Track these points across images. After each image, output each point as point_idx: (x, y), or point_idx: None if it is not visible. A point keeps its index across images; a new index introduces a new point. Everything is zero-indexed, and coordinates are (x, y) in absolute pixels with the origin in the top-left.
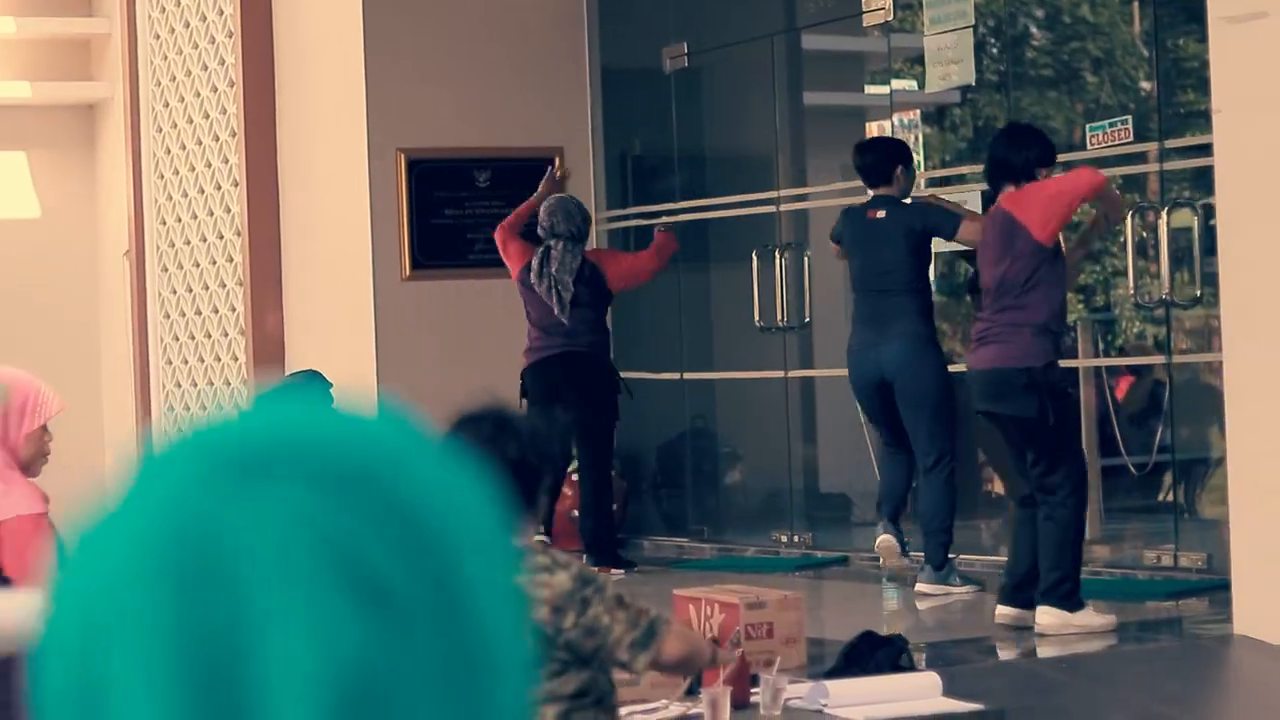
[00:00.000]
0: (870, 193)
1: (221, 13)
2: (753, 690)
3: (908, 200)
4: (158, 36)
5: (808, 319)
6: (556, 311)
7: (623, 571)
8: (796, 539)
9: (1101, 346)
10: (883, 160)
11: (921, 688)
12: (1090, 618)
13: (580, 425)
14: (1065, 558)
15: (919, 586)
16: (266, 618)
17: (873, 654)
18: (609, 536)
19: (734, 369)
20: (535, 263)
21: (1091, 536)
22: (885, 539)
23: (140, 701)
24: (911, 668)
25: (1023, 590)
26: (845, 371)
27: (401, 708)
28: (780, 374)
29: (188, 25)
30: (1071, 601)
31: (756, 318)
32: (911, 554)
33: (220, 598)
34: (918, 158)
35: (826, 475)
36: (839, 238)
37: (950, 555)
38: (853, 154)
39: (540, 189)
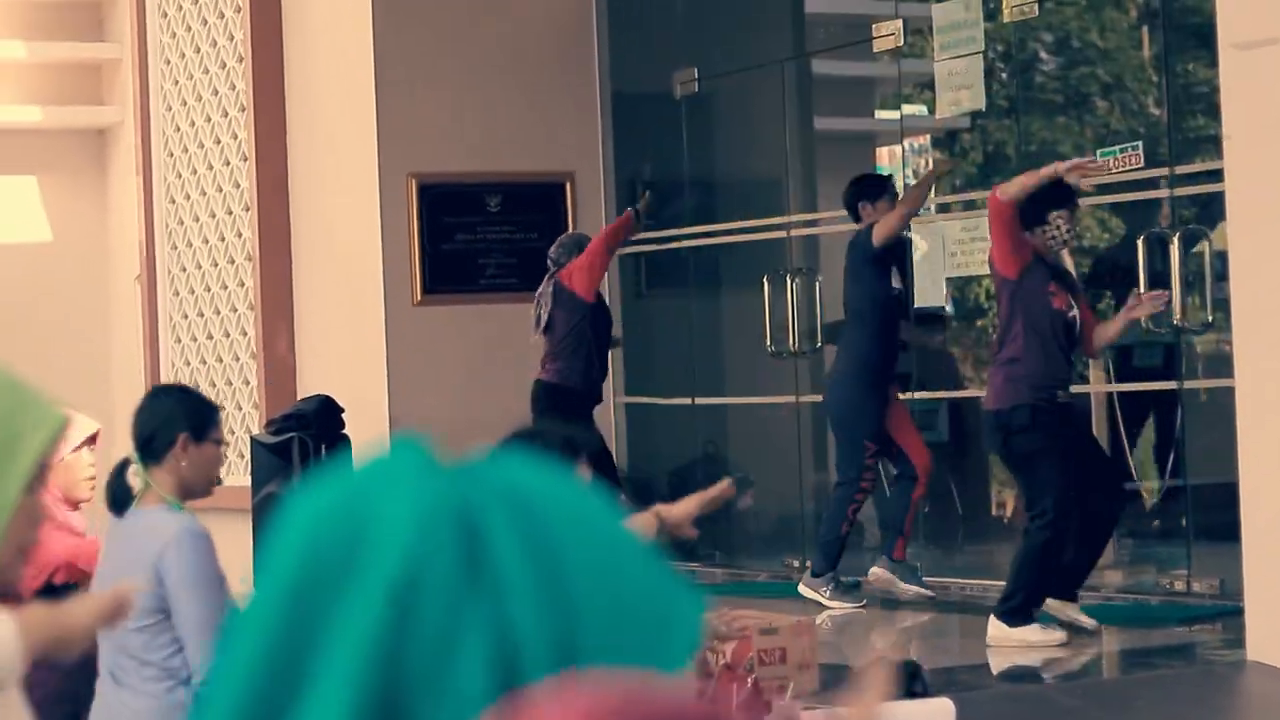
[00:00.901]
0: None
1: (232, 38)
2: (765, 717)
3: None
4: (168, 61)
5: (819, 344)
6: (531, 332)
7: None
8: (808, 563)
9: (1113, 372)
10: (848, 199)
11: (934, 713)
12: (1029, 633)
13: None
14: (1020, 577)
15: (801, 588)
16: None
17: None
18: None
19: (745, 394)
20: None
21: (1104, 562)
22: (877, 571)
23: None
24: (925, 693)
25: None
26: None
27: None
28: (792, 399)
29: (198, 50)
30: (1015, 617)
31: (768, 343)
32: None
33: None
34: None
35: None
36: None
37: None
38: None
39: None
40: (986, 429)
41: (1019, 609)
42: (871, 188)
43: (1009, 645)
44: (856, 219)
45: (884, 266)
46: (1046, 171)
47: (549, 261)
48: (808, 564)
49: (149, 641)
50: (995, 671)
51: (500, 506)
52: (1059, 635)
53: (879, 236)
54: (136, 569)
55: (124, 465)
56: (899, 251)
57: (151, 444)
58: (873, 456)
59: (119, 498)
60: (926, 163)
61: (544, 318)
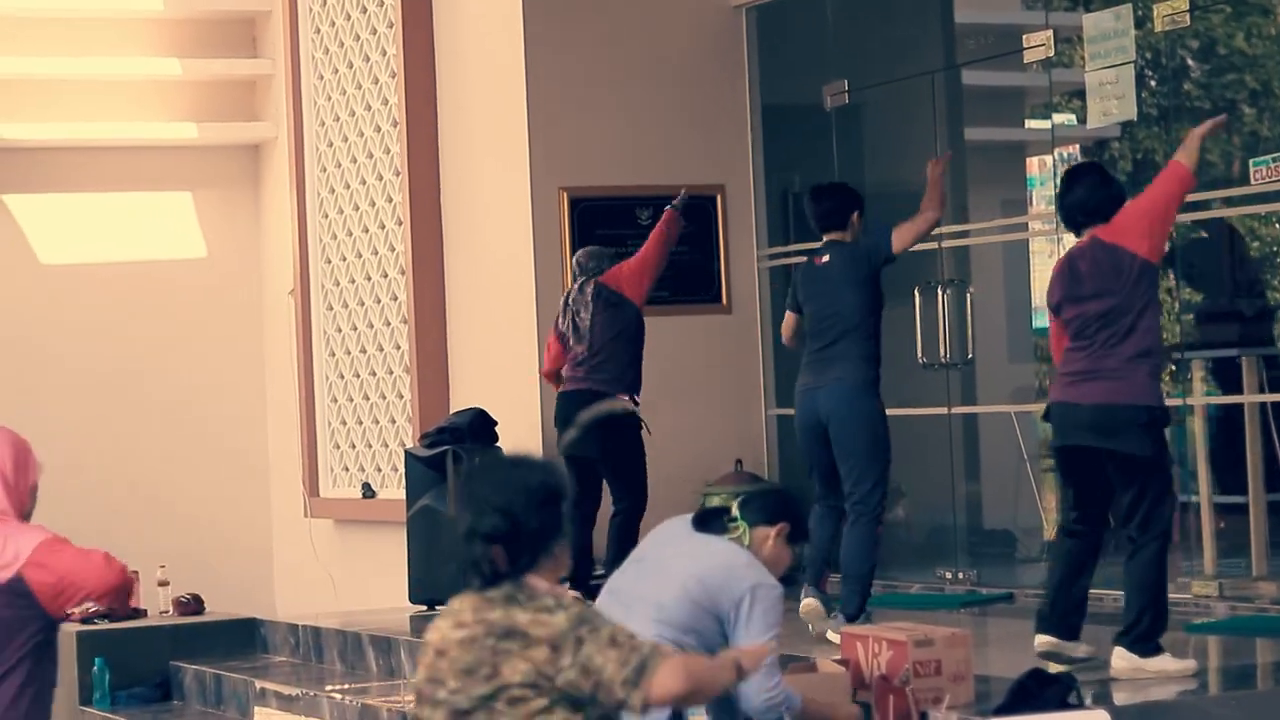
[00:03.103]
0: (824, 239)
1: (384, 53)
2: None
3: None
4: (321, 77)
5: (970, 355)
6: (573, 342)
7: None
8: (961, 575)
9: (1267, 381)
10: (840, 206)
11: None
12: (1165, 663)
13: (604, 464)
14: (1147, 599)
15: (828, 634)
16: None
17: (1041, 691)
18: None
19: (897, 406)
20: (561, 307)
21: (1258, 573)
22: (809, 602)
23: None
24: (1080, 705)
25: (1064, 618)
26: (1009, 408)
27: None
28: (944, 410)
29: (351, 65)
30: (1148, 646)
31: (919, 354)
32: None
33: None
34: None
35: (990, 512)
36: (794, 301)
37: (868, 609)
38: (808, 200)
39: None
40: (1127, 426)
41: (1148, 635)
42: (859, 198)
43: (1144, 677)
44: (834, 227)
45: (879, 279)
46: (1207, 128)
47: (576, 268)
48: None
49: None
50: (1152, 684)
51: None
52: (1191, 664)
53: (902, 244)
54: None
55: None
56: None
57: None
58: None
59: None
60: None
61: (585, 323)
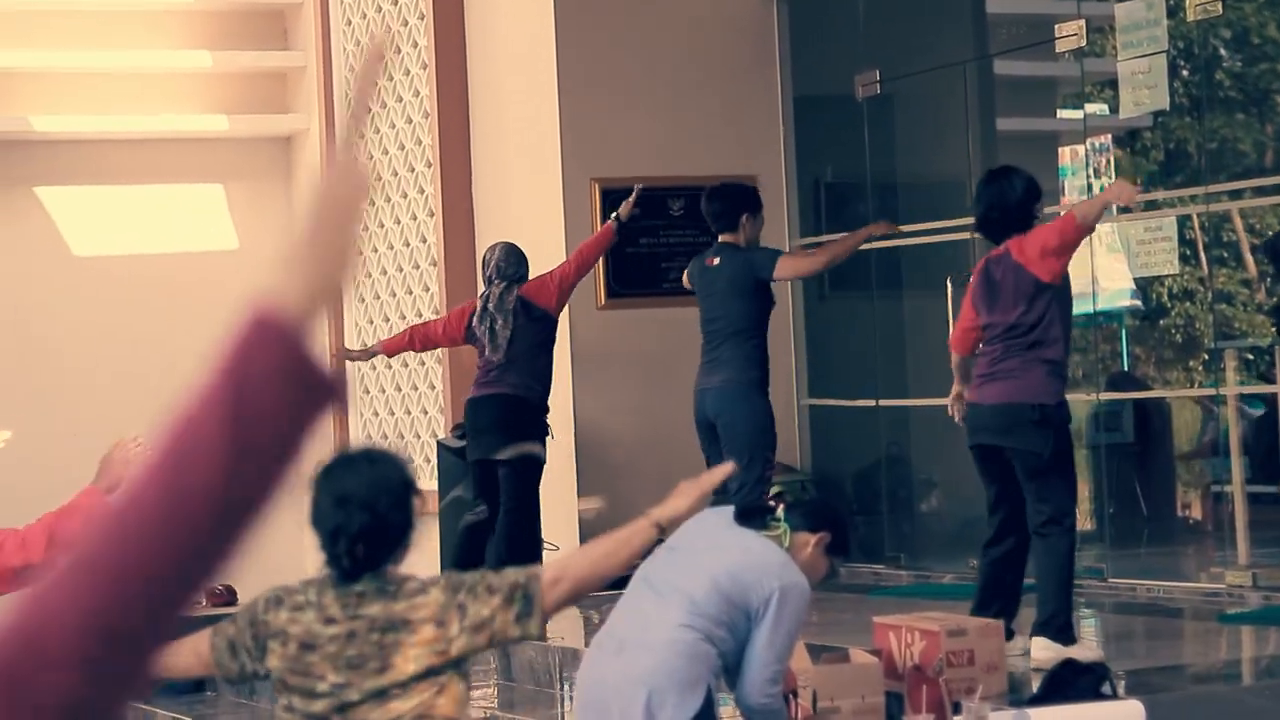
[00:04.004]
0: (719, 239)
1: (416, 45)
2: (955, 718)
3: (763, 244)
4: (352, 68)
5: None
6: (488, 350)
7: None
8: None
9: None
10: (730, 208)
11: (1125, 716)
12: (1083, 651)
13: (506, 466)
14: (1064, 592)
15: None
16: None
17: (1075, 681)
18: None
19: (929, 396)
20: (478, 306)
21: None
22: None
23: None
24: (1114, 696)
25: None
26: None
27: None
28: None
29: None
30: (1066, 635)
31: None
32: None
33: None
34: (1108, 181)
35: None
36: (690, 282)
37: None
38: (702, 200)
39: (623, 213)
40: (1020, 423)
41: (1066, 626)
42: (755, 200)
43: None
44: (724, 229)
45: (769, 286)
46: (1114, 199)
47: (494, 270)
48: None
49: None
50: (1186, 674)
51: None
52: (1100, 652)
53: (784, 274)
54: None
55: None
56: None
57: None
58: (771, 468)
59: None
60: (1108, 162)
61: (503, 335)
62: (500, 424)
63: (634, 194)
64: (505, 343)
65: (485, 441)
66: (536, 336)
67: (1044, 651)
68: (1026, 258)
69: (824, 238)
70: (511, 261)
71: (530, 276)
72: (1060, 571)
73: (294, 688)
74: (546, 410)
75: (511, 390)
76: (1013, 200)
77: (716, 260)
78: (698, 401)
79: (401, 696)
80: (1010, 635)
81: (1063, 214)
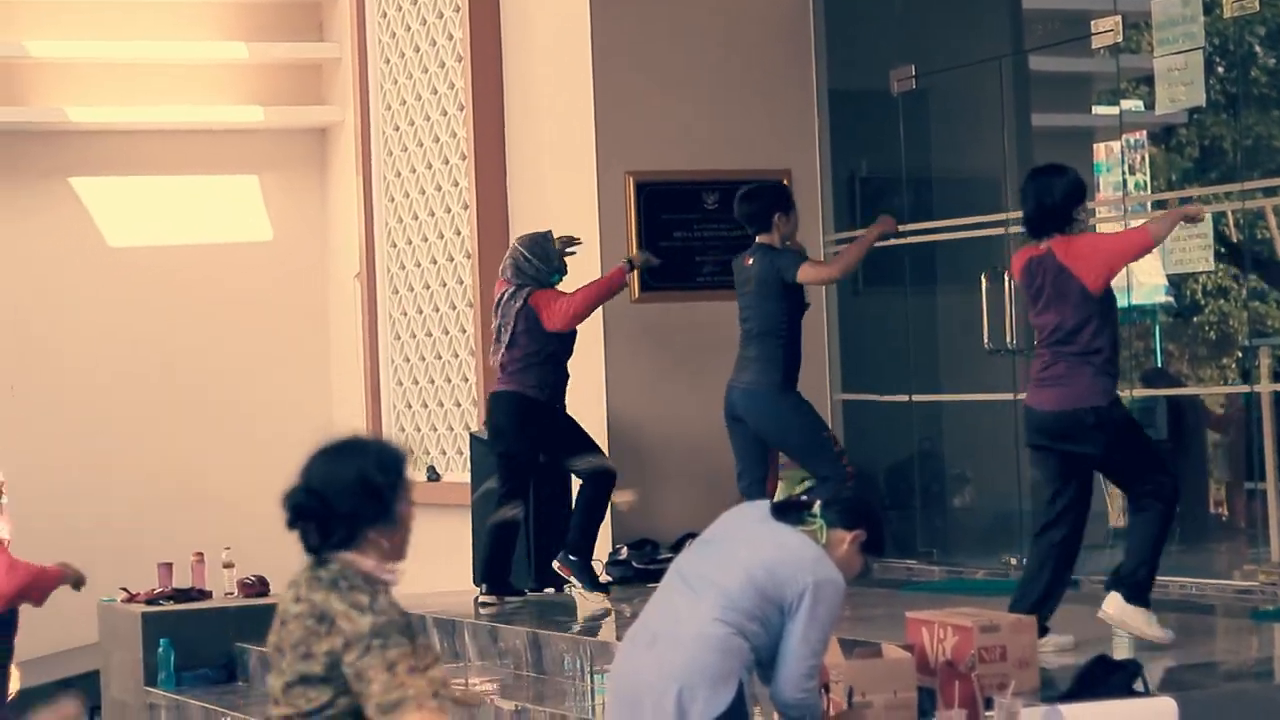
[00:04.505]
0: (755, 239)
1: (451, 37)
2: (987, 714)
3: (788, 245)
4: (388, 61)
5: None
6: (491, 351)
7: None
8: (1025, 561)
9: None
10: (762, 208)
11: (1157, 713)
12: (1150, 624)
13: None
14: (1146, 555)
15: None
16: None
17: (1107, 678)
18: (584, 561)
19: (962, 391)
20: (496, 296)
21: None
22: None
23: None
24: (1147, 693)
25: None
26: None
27: None
28: (1009, 396)
29: (418, 50)
30: (1140, 595)
31: (985, 340)
32: None
33: None
34: (1143, 178)
35: None
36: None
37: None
38: (735, 203)
39: (636, 260)
40: (1077, 429)
41: (1142, 588)
42: (786, 199)
43: (1124, 628)
44: (759, 230)
45: (799, 287)
46: (1184, 215)
47: (523, 259)
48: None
49: None
50: (1218, 671)
51: None
52: (1169, 634)
53: (805, 280)
54: None
55: None
56: None
57: None
58: (837, 443)
59: None
60: (1142, 159)
61: (508, 334)
62: (510, 421)
63: (651, 260)
64: (505, 345)
65: (496, 438)
66: (547, 345)
67: (1113, 606)
68: (1075, 262)
69: (857, 233)
70: (525, 263)
71: (554, 282)
72: (1151, 536)
73: (274, 664)
74: (556, 409)
75: (520, 388)
76: (1050, 201)
77: (751, 260)
78: (726, 395)
79: (305, 694)
80: (1044, 632)
81: (1132, 226)
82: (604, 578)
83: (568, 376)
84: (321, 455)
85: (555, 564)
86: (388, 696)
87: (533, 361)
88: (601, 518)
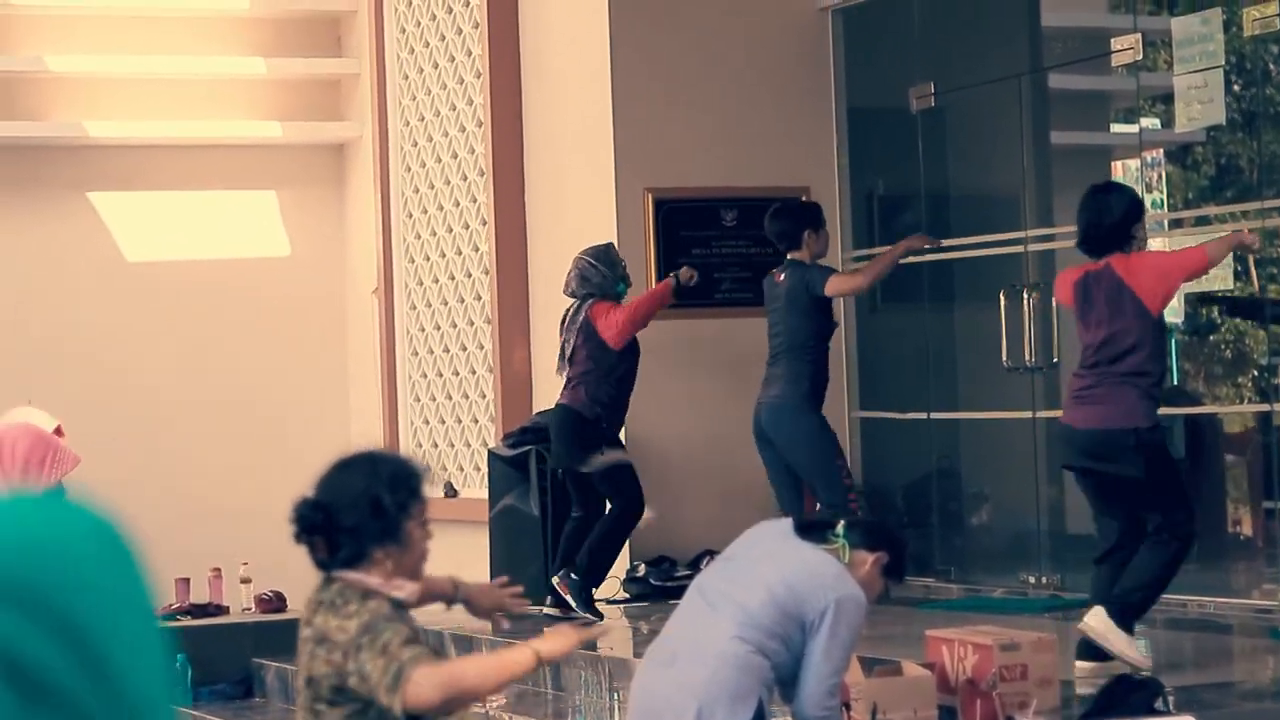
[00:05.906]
0: (787, 256)
1: (470, 53)
2: None
3: (820, 262)
4: (406, 77)
5: (1056, 359)
6: (556, 368)
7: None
8: (1044, 580)
9: None
10: (792, 226)
11: None
12: (1131, 646)
13: (594, 475)
14: (1145, 582)
15: None
16: None
17: (1128, 697)
18: (584, 583)
19: (981, 409)
20: (563, 311)
21: None
22: None
23: None
24: (1168, 711)
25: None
26: None
27: None
28: (1028, 414)
29: (436, 66)
30: (1127, 621)
31: (1004, 358)
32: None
33: None
34: (1161, 195)
35: (1074, 516)
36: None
37: None
38: (765, 221)
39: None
40: (1116, 449)
41: (1130, 614)
42: (817, 216)
43: (1104, 645)
44: (790, 247)
45: (828, 304)
46: (1240, 242)
47: (589, 266)
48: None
49: None
50: (1237, 690)
51: (30, 629)
52: (1147, 661)
53: (834, 291)
54: None
55: None
56: None
57: None
58: (848, 476)
59: None
60: (1161, 177)
61: (568, 351)
62: (558, 435)
63: (694, 278)
64: (568, 358)
65: (553, 450)
66: (605, 360)
67: (1096, 620)
68: (1136, 279)
69: (876, 250)
70: (592, 270)
71: (620, 291)
72: (1155, 568)
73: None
74: (604, 429)
75: (570, 402)
76: (1109, 221)
77: (782, 276)
78: (755, 415)
79: (327, 713)
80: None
81: (1191, 247)
82: (620, 594)
83: (627, 398)
84: (334, 468)
85: (555, 579)
86: (389, 674)
87: (589, 377)
88: (617, 550)
